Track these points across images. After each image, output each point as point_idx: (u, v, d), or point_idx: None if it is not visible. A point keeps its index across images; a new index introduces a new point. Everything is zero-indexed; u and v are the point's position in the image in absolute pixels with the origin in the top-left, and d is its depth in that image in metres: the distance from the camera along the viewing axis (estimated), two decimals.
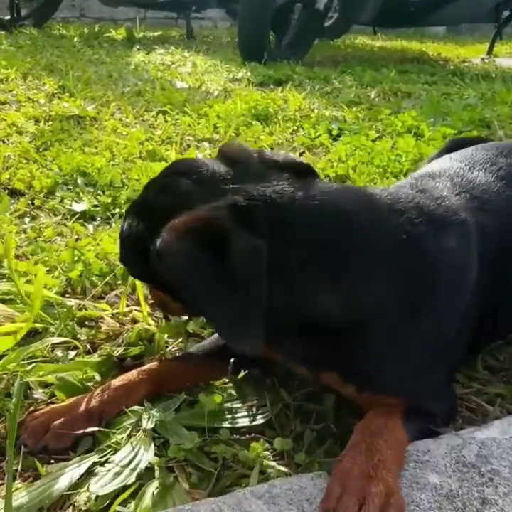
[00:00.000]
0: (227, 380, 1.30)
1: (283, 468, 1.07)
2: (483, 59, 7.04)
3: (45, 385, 1.28)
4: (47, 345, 1.33)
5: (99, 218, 2.16)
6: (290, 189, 1.07)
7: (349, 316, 1.07)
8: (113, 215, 2.17)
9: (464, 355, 1.28)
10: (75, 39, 6.67)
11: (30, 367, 1.25)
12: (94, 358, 1.36)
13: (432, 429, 1.13)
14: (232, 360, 1.30)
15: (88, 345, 1.41)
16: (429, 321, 1.15)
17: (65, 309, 1.48)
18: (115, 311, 1.51)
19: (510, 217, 1.31)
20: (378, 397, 1.13)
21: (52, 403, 1.24)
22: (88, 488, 1.03)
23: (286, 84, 4.59)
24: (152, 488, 1.02)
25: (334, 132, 3.19)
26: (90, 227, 2.08)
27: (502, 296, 1.29)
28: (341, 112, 3.68)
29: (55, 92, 3.89)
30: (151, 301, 1.50)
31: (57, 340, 1.34)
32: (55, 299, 1.50)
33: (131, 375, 1.26)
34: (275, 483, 0.97)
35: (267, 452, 1.12)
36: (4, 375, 1.26)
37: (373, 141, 3.05)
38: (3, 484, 1.07)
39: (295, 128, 3.31)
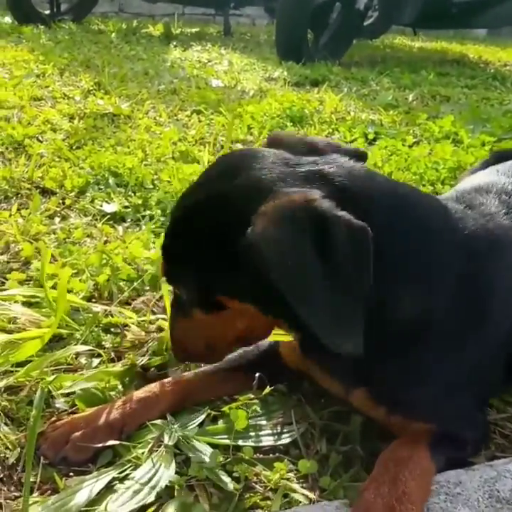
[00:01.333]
0: (252, 396, 1.26)
1: (307, 493, 1.04)
2: None
3: (67, 394, 1.26)
4: (70, 354, 1.31)
5: (129, 220, 2.14)
6: (370, 175, 1.07)
7: (410, 322, 1.04)
8: (143, 217, 2.15)
9: (503, 380, 1.22)
10: (113, 35, 6.67)
11: (51, 377, 1.22)
12: (118, 367, 1.33)
13: (461, 457, 1.09)
14: (257, 374, 1.26)
15: (112, 353, 1.39)
16: (475, 343, 1.11)
17: (91, 315, 1.46)
18: (141, 318, 1.48)
19: None
20: (408, 421, 1.09)
21: (74, 413, 1.22)
22: (106, 506, 1.01)
23: (322, 85, 4.54)
24: (172, 508, 0.99)
25: (370, 136, 3.14)
26: (120, 229, 2.06)
27: None
28: (378, 115, 3.63)
29: (91, 88, 3.89)
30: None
31: (81, 348, 1.32)
32: (81, 304, 1.48)
33: (155, 387, 1.23)
34: (299, 510, 0.93)
35: (290, 474, 1.08)
36: (27, 382, 1.25)
37: (410, 146, 2.99)
38: (19, 496, 1.05)
39: (330, 131, 3.26)
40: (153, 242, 1.90)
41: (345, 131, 3.18)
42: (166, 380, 1.26)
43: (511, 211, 1.24)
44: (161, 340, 1.38)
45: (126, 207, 2.21)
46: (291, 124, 3.29)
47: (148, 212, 2.18)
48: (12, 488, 1.07)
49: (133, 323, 1.45)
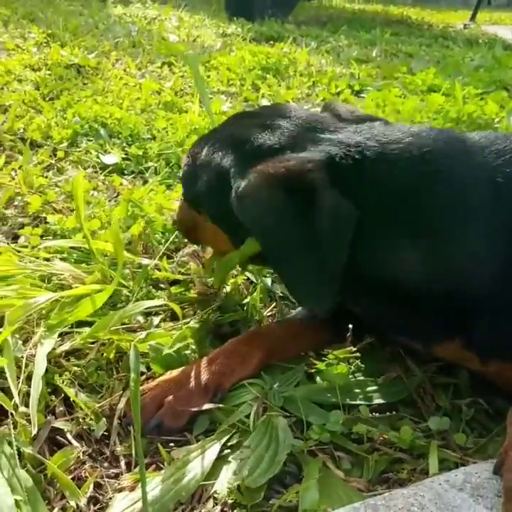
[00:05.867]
0: (342, 350, 1.14)
1: (450, 452, 0.92)
2: (466, 25, 6.95)
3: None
4: (140, 310, 1.14)
5: (131, 172, 1.96)
6: (377, 138, 0.96)
7: (454, 276, 0.93)
8: (146, 169, 1.96)
9: None
10: None
11: (142, 335, 1.06)
12: (185, 324, 1.17)
13: None
14: (350, 326, 1.13)
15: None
16: None
17: (138, 270, 1.29)
18: (195, 275, 1.32)
19: None
20: (508, 367, 0.98)
21: (151, 377, 1.07)
22: (230, 477, 0.87)
23: (278, 41, 4.39)
24: (311, 478, 0.86)
25: (356, 87, 3.02)
26: (124, 181, 1.87)
27: None
28: (352, 69, 3.51)
29: (44, 40, 3.60)
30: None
31: (152, 303, 1.15)
32: (127, 258, 1.31)
33: (241, 341, 1.09)
34: (470, 471, 0.82)
35: (418, 433, 0.97)
36: (92, 345, 1.08)
37: (399, 97, 2.89)
38: (118, 474, 0.90)
39: (311, 83, 3.13)
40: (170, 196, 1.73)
41: (327, 83, 3.06)
42: (249, 333, 1.13)
43: None
44: (230, 294, 1.23)
45: (125, 159, 2.02)
46: (270, 76, 3.13)
47: (150, 163, 1.99)
48: (106, 465, 0.91)
49: (196, 278, 1.29)
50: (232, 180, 0.99)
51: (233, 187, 0.98)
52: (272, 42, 4.41)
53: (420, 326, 1.01)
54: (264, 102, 2.74)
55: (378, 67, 3.68)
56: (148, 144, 2.10)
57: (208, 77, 3.07)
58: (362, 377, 1.08)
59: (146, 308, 1.17)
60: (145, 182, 1.90)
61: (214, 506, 0.84)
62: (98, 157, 2.00)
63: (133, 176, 1.94)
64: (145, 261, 1.33)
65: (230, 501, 0.84)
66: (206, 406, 0.98)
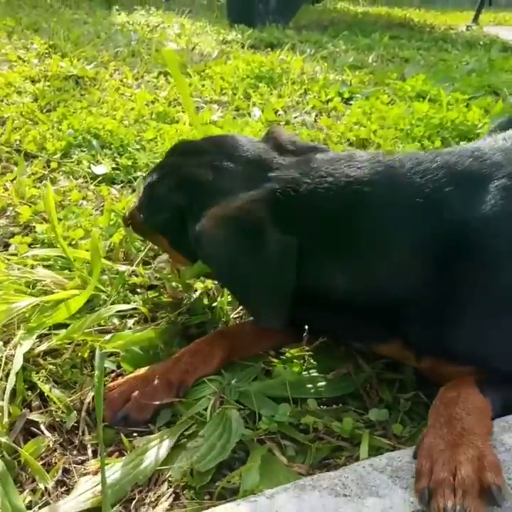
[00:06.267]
0: (299, 349, 1.23)
1: (384, 440, 1.02)
2: (468, 27, 7.01)
3: (110, 355, 1.20)
4: (111, 313, 1.24)
5: (120, 181, 2.06)
6: (312, 173, 1.09)
7: (388, 287, 1.04)
8: (135, 178, 2.07)
9: None
10: None
11: (107, 337, 1.17)
12: (155, 326, 1.28)
13: None
14: (306, 327, 1.23)
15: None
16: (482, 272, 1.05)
17: (116, 276, 1.40)
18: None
19: None
20: (440, 364, 1.07)
21: (120, 375, 1.17)
22: (183, 463, 0.97)
23: (278, 48, 4.49)
24: (253, 463, 0.96)
25: (345, 95, 3.11)
26: (113, 190, 1.98)
27: None
28: (345, 75, 3.60)
29: (46, 51, 3.72)
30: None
31: (123, 307, 1.26)
32: (105, 265, 1.42)
33: (205, 341, 1.19)
34: (393, 455, 0.91)
35: (359, 423, 1.06)
36: (68, 346, 1.18)
37: (386, 104, 2.98)
38: (85, 460, 1.00)
39: (303, 91, 3.22)
40: None
41: (318, 91, 3.15)
42: (214, 334, 1.23)
43: None
44: (199, 298, 1.34)
45: (115, 169, 2.13)
46: (263, 84, 3.23)
47: (139, 173, 2.10)
48: (74, 452, 1.02)
49: (167, 282, 1.39)
50: (188, 220, 1.13)
51: (189, 226, 1.11)
52: (270, 49, 4.52)
53: (362, 330, 1.12)
54: (255, 111, 2.84)
55: (372, 73, 3.77)
56: (138, 154, 2.21)
57: (203, 86, 3.18)
58: (315, 374, 1.18)
59: (119, 312, 1.28)
60: (133, 191, 2.00)
61: (168, 488, 0.94)
62: (89, 167, 2.10)
63: (122, 185, 2.04)
64: (122, 267, 1.43)
65: (182, 484, 0.94)
66: (169, 400, 1.08)
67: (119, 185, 2.04)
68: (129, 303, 1.35)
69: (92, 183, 2.01)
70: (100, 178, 2.04)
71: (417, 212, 1.04)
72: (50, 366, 1.14)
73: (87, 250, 1.44)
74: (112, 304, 1.31)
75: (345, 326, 1.12)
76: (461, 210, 1.03)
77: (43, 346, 1.17)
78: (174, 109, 2.75)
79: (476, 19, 7.32)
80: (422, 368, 1.10)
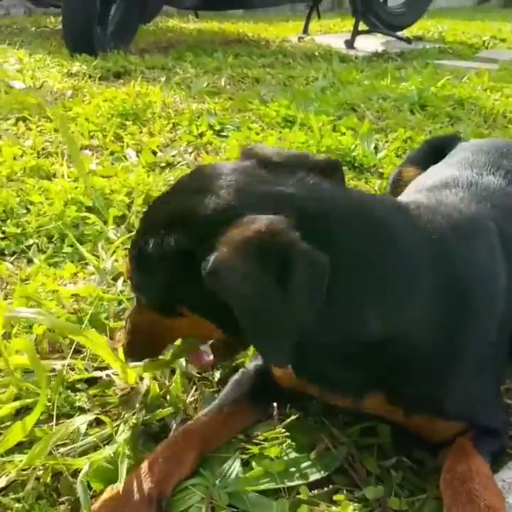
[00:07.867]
0: (270, 429, 1.20)
1: None
2: (300, 38, 7.23)
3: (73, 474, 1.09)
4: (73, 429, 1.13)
5: (12, 253, 1.91)
6: (334, 197, 1.02)
7: (393, 335, 1.03)
8: (28, 247, 1.93)
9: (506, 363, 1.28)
10: None
11: (85, 467, 1.05)
12: (113, 428, 1.18)
13: (502, 446, 1.13)
14: (275, 404, 1.20)
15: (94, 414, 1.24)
16: (474, 332, 1.13)
17: (51, 375, 1.28)
18: (111, 371, 1.32)
19: None
20: (430, 420, 1.09)
21: (93, 497, 1.06)
22: None
23: (126, 76, 4.40)
24: None
25: (216, 127, 3.10)
26: (8, 265, 1.83)
27: None
28: (206, 104, 3.58)
29: None
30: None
31: (82, 419, 1.15)
32: (31, 365, 1.28)
33: (174, 441, 1.12)
34: None
35: (356, 504, 1.05)
36: (25, 473, 1.06)
37: (257, 134, 3.00)
38: None
39: (172, 125, 3.17)
40: (61, 276, 1.73)
41: (188, 125, 3.11)
42: (181, 432, 1.15)
43: (481, 200, 1.29)
44: (152, 389, 1.26)
45: (2, 238, 1.97)
46: (130, 122, 3.14)
47: (32, 240, 1.96)
48: None
49: (114, 375, 1.30)
50: (198, 260, 0.92)
51: (201, 266, 0.91)
52: (118, 78, 4.41)
53: (352, 382, 1.09)
54: (130, 152, 2.75)
55: (230, 98, 3.78)
56: (25, 218, 2.06)
57: (72, 132, 3.03)
58: (293, 454, 1.14)
59: (90, 421, 1.18)
60: (29, 261, 1.86)
61: None
62: None
63: (15, 256, 1.90)
64: (55, 363, 1.32)
65: None
66: None
67: (12, 258, 1.89)
68: (73, 402, 1.25)
69: None
70: None
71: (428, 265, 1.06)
72: (16, 505, 1.01)
73: (17, 351, 1.32)
74: (55, 409, 1.21)
75: (339, 377, 1.10)
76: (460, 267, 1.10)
77: (2, 482, 1.04)
78: (48, 160, 2.59)
79: (306, 30, 7.57)
80: (408, 423, 1.11)
